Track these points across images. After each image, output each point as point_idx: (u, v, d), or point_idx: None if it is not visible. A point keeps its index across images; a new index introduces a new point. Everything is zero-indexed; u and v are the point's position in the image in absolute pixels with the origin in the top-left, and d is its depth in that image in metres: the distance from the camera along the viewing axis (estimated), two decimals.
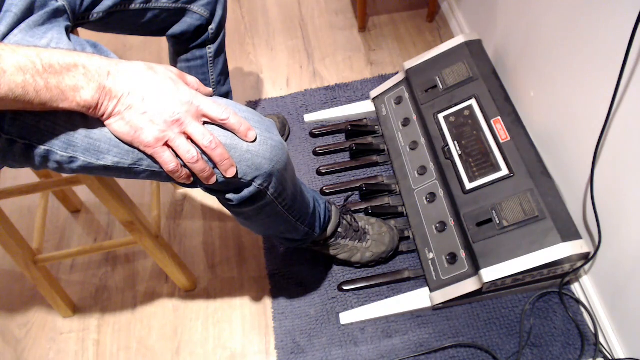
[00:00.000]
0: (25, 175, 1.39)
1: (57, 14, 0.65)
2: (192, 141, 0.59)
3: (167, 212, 1.30)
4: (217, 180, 0.64)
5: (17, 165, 0.63)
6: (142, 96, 0.56)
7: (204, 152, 0.60)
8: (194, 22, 0.92)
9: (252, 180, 0.66)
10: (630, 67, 0.77)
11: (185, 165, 0.61)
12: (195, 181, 0.64)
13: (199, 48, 0.97)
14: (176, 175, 0.61)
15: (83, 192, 1.35)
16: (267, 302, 1.13)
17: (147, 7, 0.85)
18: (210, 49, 0.99)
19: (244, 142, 0.63)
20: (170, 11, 0.88)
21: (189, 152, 0.59)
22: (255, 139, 0.64)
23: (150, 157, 0.60)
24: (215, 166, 0.62)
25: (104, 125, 0.58)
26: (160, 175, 0.63)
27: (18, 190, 0.88)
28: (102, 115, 0.56)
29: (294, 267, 1.15)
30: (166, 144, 0.59)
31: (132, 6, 0.83)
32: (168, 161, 0.59)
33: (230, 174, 0.63)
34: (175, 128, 0.58)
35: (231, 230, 1.26)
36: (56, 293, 1.11)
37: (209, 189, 0.68)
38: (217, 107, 0.61)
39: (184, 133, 0.59)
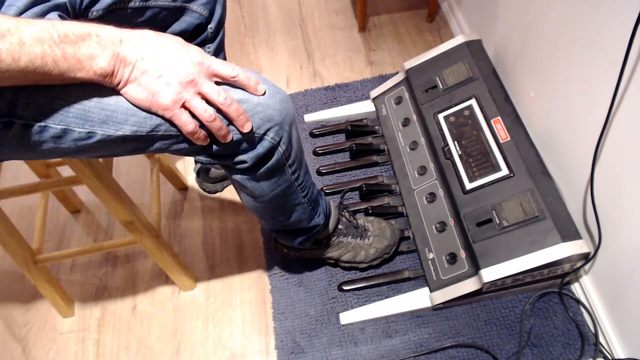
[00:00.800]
0: (25, 175, 1.39)
1: (57, 9, 0.65)
2: (206, 101, 0.61)
3: (167, 212, 1.30)
4: (232, 138, 0.65)
5: (28, 154, 0.62)
6: (155, 60, 0.57)
7: (218, 111, 0.62)
8: (193, 21, 0.92)
9: (265, 134, 0.68)
10: (630, 67, 0.77)
11: (202, 126, 0.62)
12: (210, 144, 0.65)
13: None
14: (195, 136, 0.62)
15: (83, 192, 1.35)
16: (267, 302, 1.13)
17: (147, 5, 0.85)
18: (210, 48, 0.99)
19: (254, 96, 0.65)
20: (170, 10, 0.88)
21: (206, 112, 0.60)
22: (265, 92, 0.66)
23: (168, 121, 0.61)
24: (230, 123, 0.64)
25: (118, 96, 0.59)
26: (177, 140, 0.64)
27: (18, 190, 0.88)
28: (119, 83, 0.57)
29: (294, 267, 1.15)
30: (183, 106, 0.60)
31: (132, 4, 0.83)
32: (187, 122, 0.60)
33: (246, 128, 0.64)
34: (190, 89, 0.59)
35: (231, 230, 1.26)
36: (56, 293, 1.11)
37: (222, 155, 0.70)
38: (227, 66, 0.62)
39: (199, 93, 0.60)
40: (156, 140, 0.64)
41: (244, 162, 0.71)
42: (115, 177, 0.93)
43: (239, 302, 1.14)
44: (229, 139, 0.65)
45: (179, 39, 0.62)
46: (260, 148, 0.69)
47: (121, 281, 1.21)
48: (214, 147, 0.67)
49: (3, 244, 0.95)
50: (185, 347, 1.10)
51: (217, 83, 0.63)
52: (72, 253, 1.04)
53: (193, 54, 0.60)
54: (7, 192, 0.88)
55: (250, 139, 0.68)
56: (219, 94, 0.60)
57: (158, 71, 0.57)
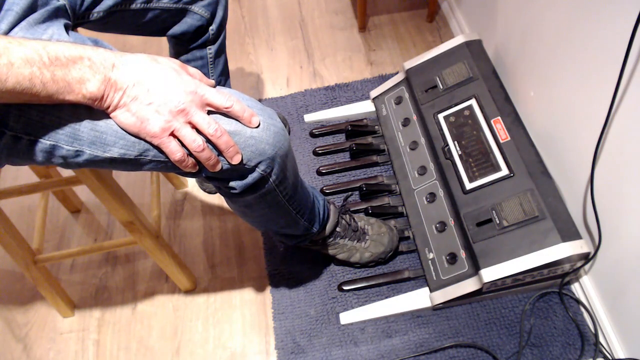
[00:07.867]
0: (25, 175, 1.39)
1: (57, 12, 0.65)
2: (197, 130, 0.60)
3: (167, 212, 1.30)
4: (222, 167, 0.65)
5: (21, 162, 0.63)
6: (147, 87, 0.57)
7: (209, 141, 0.61)
8: (195, 23, 0.92)
9: (256, 166, 0.67)
10: (630, 67, 0.77)
11: (191, 154, 0.62)
12: (200, 169, 0.65)
13: (199, 48, 0.97)
14: (183, 164, 0.62)
15: (83, 192, 1.35)
16: (267, 302, 1.13)
17: (148, 7, 0.85)
18: (211, 50, 0.99)
19: (247, 128, 0.64)
20: (171, 11, 0.88)
21: (195, 142, 0.60)
22: (259, 124, 0.65)
23: (157, 147, 0.61)
24: (220, 154, 0.63)
25: (109, 118, 0.59)
26: (165, 165, 0.64)
27: (18, 190, 0.88)
28: (108, 107, 0.57)
29: (294, 267, 1.15)
30: (172, 134, 0.59)
31: (133, 6, 0.83)
32: (174, 151, 0.60)
33: (235, 160, 0.64)
34: (180, 118, 0.58)
35: (231, 230, 1.26)
36: (56, 293, 1.11)
37: (212, 177, 0.69)
38: (221, 96, 0.61)
39: (189, 122, 0.59)
40: (144, 164, 0.63)
41: (233, 188, 0.71)
42: (115, 177, 0.92)
43: (239, 302, 1.14)
44: (218, 168, 0.64)
45: (175, 64, 0.61)
46: (250, 179, 0.69)
47: (121, 281, 1.21)
48: (204, 173, 0.67)
49: (3, 244, 0.95)
50: (185, 347, 1.10)
51: (211, 112, 0.62)
52: (72, 253, 1.04)
53: (187, 82, 0.59)
54: (7, 192, 0.88)
55: (240, 170, 0.67)
56: (210, 125, 0.60)
57: (149, 98, 0.57)
